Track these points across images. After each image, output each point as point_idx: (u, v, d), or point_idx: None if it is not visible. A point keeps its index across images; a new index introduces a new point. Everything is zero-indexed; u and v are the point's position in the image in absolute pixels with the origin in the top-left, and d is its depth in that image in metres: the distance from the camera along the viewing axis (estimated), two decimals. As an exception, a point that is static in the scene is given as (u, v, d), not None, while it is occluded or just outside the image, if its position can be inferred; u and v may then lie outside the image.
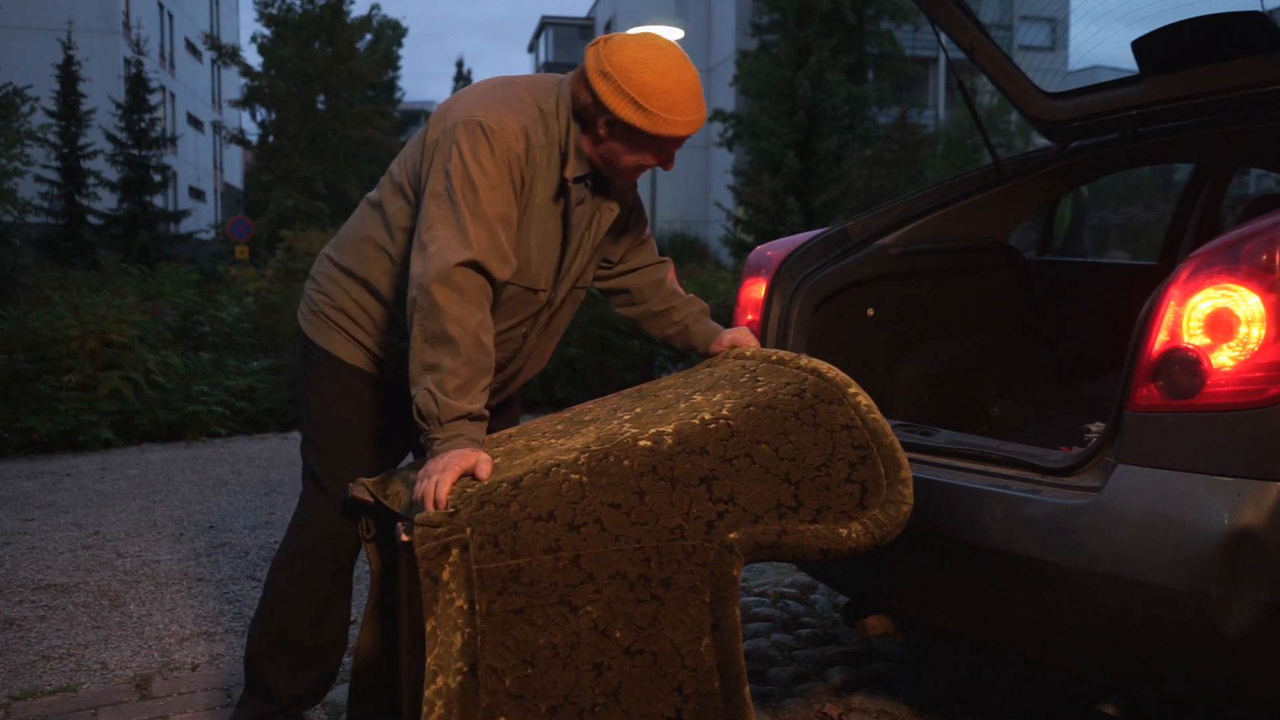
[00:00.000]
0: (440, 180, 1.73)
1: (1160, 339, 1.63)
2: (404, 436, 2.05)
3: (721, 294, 8.85)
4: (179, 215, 24.25)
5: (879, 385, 2.83)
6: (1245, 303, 1.56)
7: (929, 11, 2.77)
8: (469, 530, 1.51)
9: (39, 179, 19.14)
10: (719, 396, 1.75)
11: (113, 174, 22.31)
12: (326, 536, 2.01)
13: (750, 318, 2.61)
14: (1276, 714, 1.60)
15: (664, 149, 1.80)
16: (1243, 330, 1.56)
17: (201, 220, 31.30)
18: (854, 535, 1.64)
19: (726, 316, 2.37)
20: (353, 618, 3.11)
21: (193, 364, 6.99)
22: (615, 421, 1.74)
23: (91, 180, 21.72)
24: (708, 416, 1.67)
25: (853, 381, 1.77)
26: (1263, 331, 1.54)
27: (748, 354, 1.99)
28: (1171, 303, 1.63)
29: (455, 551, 1.50)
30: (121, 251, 18.41)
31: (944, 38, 2.83)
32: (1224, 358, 1.57)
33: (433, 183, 1.74)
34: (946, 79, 31.35)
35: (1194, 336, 1.60)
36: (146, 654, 2.87)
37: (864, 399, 1.75)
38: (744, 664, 1.58)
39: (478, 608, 1.48)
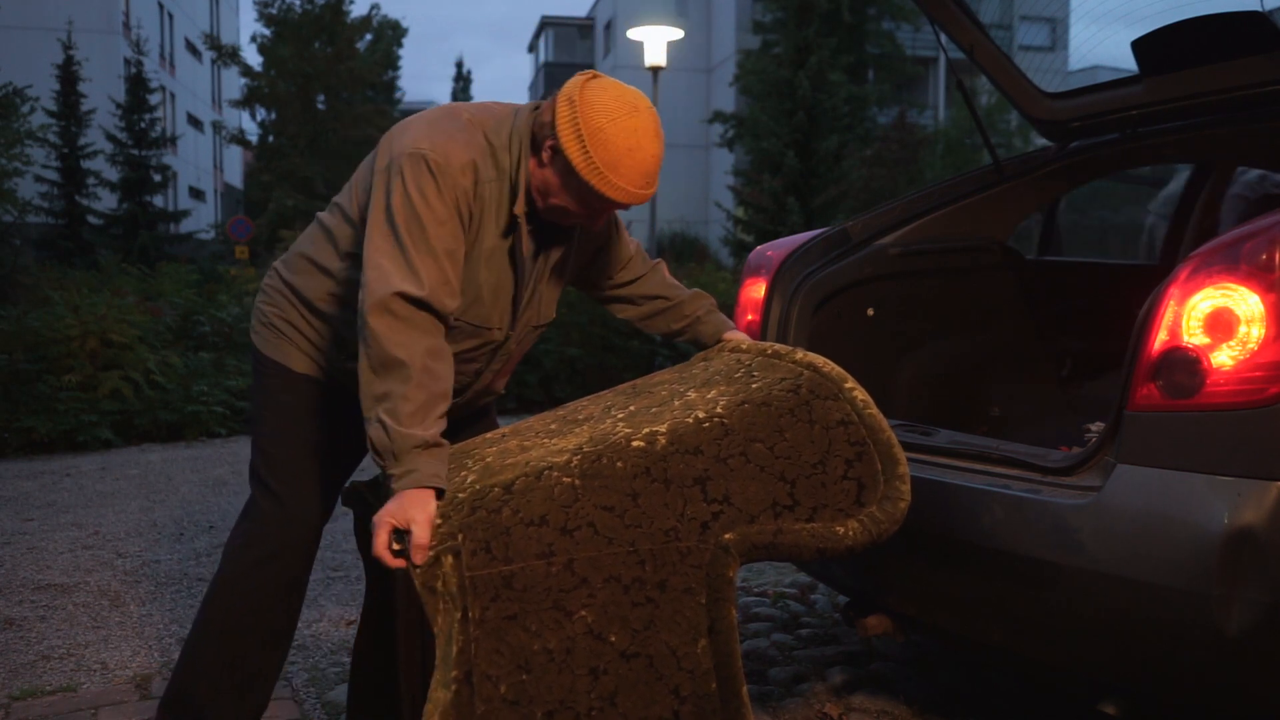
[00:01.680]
0: (382, 211, 1.66)
1: (1160, 338, 1.63)
2: (358, 446, 1.97)
3: (721, 294, 8.84)
4: (179, 215, 24.23)
5: (879, 385, 2.83)
6: (1245, 302, 1.56)
7: (929, 12, 2.77)
8: (461, 537, 1.50)
9: (39, 179, 19.11)
10: (713, 393, 1.74)
11: (113, 174, 22.28)
12: (282, 548, 1.91)
13: (750, 318, 2.61)
14: (1276, 714, 1.60)
15: (591, 204, 1.71)
16: (1242, 330, 1.56)
17: (201, 220, 31.29)
18: (851, 533, 1.62)
19: (727, 315, 2.37)
20: (351, 619, 3.12)
21: (193, 364, 6.99)
22: (609, 420, 1.73)
23: (91, 180, 21.70)
24: (702, 415, 1.64)
25: (849, 376, 1.75)
26: (1262, 331, 1.54)
27: (744, 347, 1.97)
28: (1171, 302, 1.63)
29: (449, 559, 1.50)
30: (121, 251, 18.40)
31: (944, 38, 2.83)
32: (1224, 357, 1.57)
33: (375, 211, 1.68)
34: (946, 79, 31.37)
35: (1194, 336, 1.60)
36: (147, 654, 2.87)
37: (860, 394, 1.72)
38: (741, 665, 1.57)
39: (471, 614, 1.47)
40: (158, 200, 23.39)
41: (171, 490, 5.04)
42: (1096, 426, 2.38)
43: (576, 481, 1.55)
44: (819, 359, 1.78)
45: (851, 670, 2.67)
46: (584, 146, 1.64)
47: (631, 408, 1.77)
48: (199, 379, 6.80)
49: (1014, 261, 3.13)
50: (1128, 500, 1.62)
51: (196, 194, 35.48)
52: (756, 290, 2.61)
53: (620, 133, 1.64)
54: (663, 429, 1.62)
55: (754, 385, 1.73)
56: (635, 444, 1.59)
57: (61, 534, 4.17)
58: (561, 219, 1.78)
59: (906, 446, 2.05)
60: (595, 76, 1.71)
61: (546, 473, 1.57)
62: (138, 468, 5.65)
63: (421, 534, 1.51)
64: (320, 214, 1.93)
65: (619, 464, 1.57)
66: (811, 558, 1.62)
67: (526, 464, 1.62)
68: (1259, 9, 2.53)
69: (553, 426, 1.81)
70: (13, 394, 6.13)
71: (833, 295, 2.64)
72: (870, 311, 2.78)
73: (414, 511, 1.52)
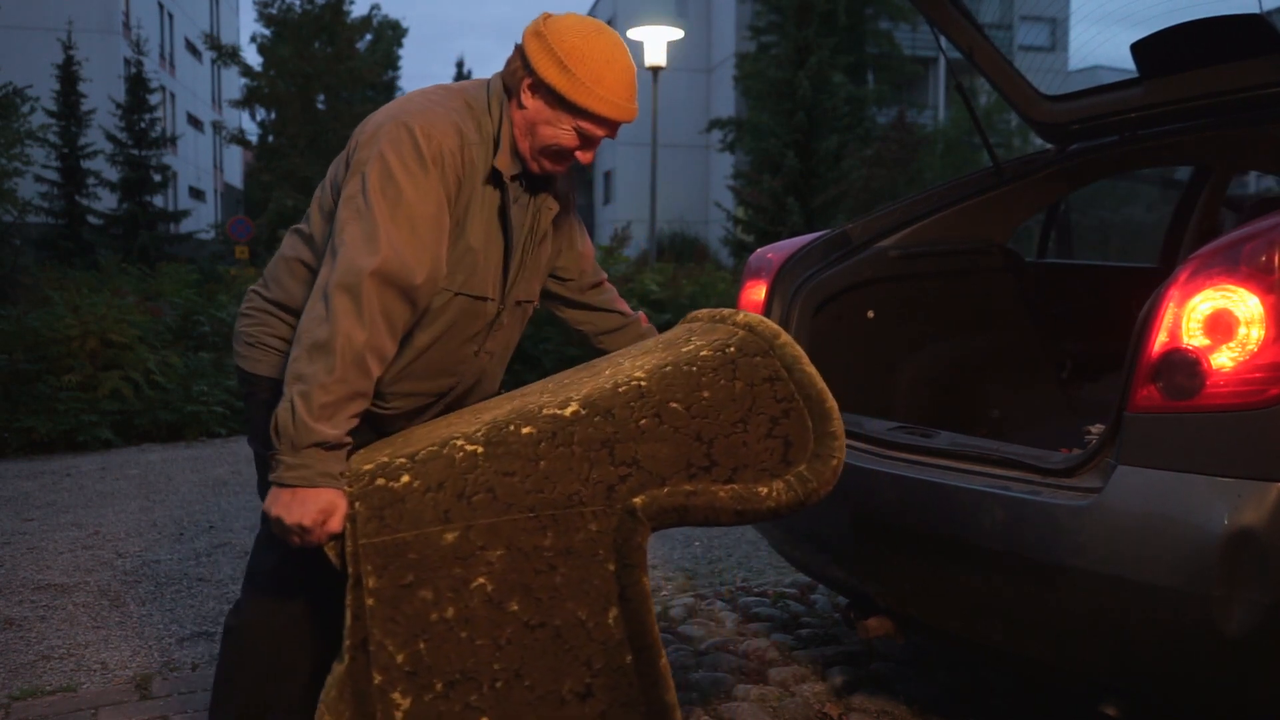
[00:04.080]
0: (356, 183, 1.60)
1: (1160, 340, 1.63)
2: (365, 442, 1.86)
3: (721, 294, 8.85)
4: (179, 215, 24.21)
5: (880, 387, 2.84)
6: (1245, 304, 1.56)
7: (927, 14, 2.77)
8: (357, 505, 1.47)
9: (39, 179, 19.08)
10: (644, 359, 1.68)
11: (113, 174, 22.27)
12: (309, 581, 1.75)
13: (751, 319, 2.61)
14: (1276, 714, 1.60)
15: (584, 129, 1.69)
16: (1242, 331, 1.56)
17: (201, 220, 31.28)
18: (775, 493, 1.54)
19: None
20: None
21: (193, 364, 6.99)
22: (538, 394, 1.68)
23: (91, 180, 21.69)
24: (620, 379, 1.59)
25: (783, 332, 1.67)
26: (1262, 332, 1.55)
27: (699, 315, 1.90)
28: (1171, 304, 1.63)
29: (348, 527, 1.47)
30: (121, 251, 18.39)
31: (943, 40, 2.84)
32: (1224, 359, 1.57)
33: (348, 187, 1.61)
34: (946, 79, 31.36)
35: (1194, 338, 1.60)
36: (147, 654, 2.87)
37: (792, 349, 1.63)
38: (658, 635, 1.52)
39: (365, 583, 1.44)
40: (158, 200, 23.37)
41: (171, 490, 5.04)
42: (1097, 428, 2.38)
43: (479, 449, 1.51)
44: (755, 319, 1.71)
45: (851, 670, 2.67)
46: (564, 67, 1.64)
47: (567, 381, 1.72)
48: (199, 379, 6.80)
49: (1014, 264, 3.14)
50: (1128, 502, 1.63)
51: (196, 194, 35.47)
52: (757, 293, 2.62)
53: (596, 47, 1.66)
54: (578, 395, 1.56)
55: (685, 349, 1.66)
56: (546, 411, 1.54)
57: (61, 534, 4.17)
58: (555, 161, 1.75)
59: (907, 448, 2.05)
60: (550, 15, 1.71)
61: (451, 441, 1.52)
62: (138, 468, 5.66)
63: (334, 523, 1.49)
64: (298, 225, 1.83)
65: (526, 429, 1.51)
66: (731, 521, 1.56)
67: (439, 436, 1.57)
68: (1258, 11, 2.53)
69: (490, 404, 1.76)
70: (13, 394, 6.13)
71: (833, 298, 2.64)
72: (870, 314, 2.78)
73: (304, 515, 1.48)
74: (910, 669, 2.70)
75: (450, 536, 1.46)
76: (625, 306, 2.12)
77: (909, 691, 2.55)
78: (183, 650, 2.89)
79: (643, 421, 1.53)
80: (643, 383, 1.57)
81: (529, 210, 1.82)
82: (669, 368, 1.60)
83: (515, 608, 1.47)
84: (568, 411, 1.53)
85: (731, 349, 1.63)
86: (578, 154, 1.74)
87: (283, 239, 1.86)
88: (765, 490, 1.55)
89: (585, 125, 1.69)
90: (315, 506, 1.49)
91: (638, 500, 1.50)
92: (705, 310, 1.92)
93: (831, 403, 1.60)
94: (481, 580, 1.46)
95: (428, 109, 1.66)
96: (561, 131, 1.70)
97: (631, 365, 1.66)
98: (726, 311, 1.79)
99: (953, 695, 2.55)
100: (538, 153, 1.73)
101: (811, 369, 1.62)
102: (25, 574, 3.62)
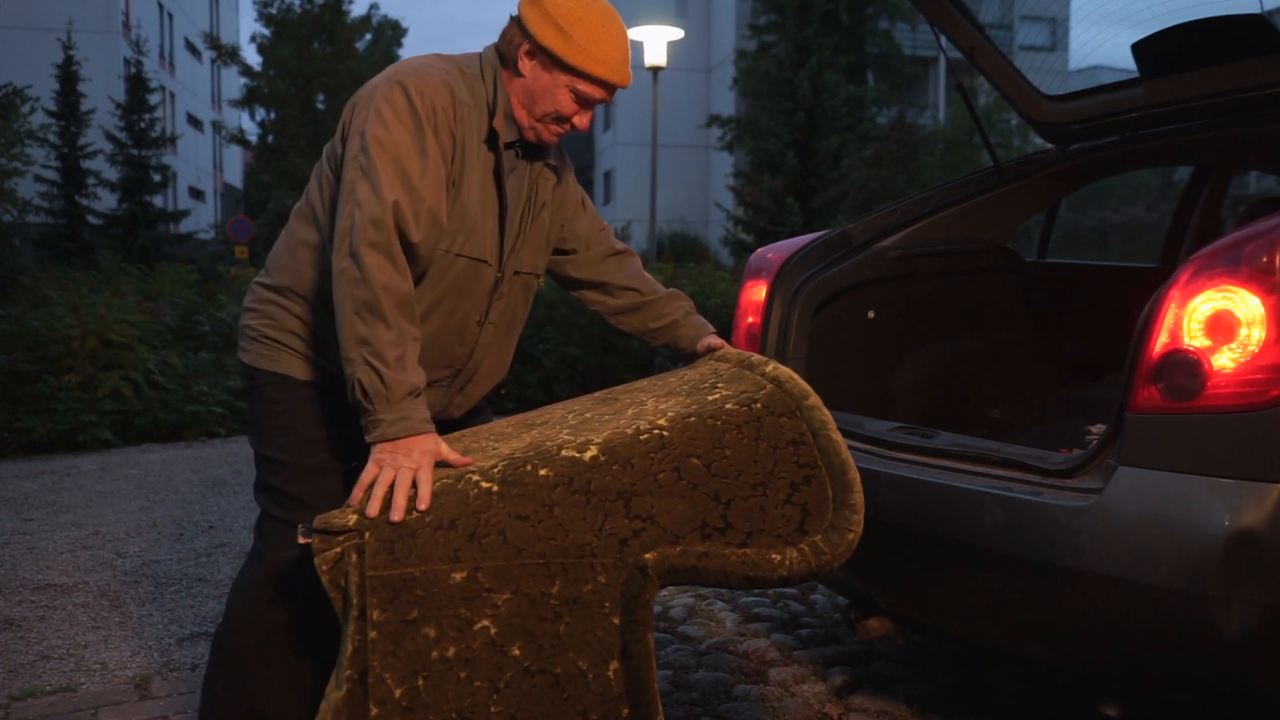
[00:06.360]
0: (356, 143, 1.65)
1: (1161, 341, 1.63)
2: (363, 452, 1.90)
3: (721, 294, 8.85)
4: (179, 215, 24.20)
5: (880, 387, 2.84)
6: (1246, 305, 1.56)
7: (927, 14, 2.77)
8: (367, 535, 1.46)
9: (39, 179, 19.10)
10: (667, 404, 1.65)
11: (113, 174, 22.25)
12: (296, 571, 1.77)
13: (751, 320, 2.61)
14: (1276, 714, 1.60)
15: (581, 92, 1.72)
16: (1243, 332, 1.56)
17: (201, 220, 31.28)
18: (789, 562, 1.52)
19: (727, 317, 2.36)
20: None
21: (192, 364, 6.99)
22: (558, 428, 1.66)
23: (91, 180, 21.67)
24: (643, 426, 1.56)
25: (812, 393, 1.64)
26: (1263, 333, 1.55)
27: (728, 358, 1.88)
28: (1172, 305, 1.63)
29: (353, 556, 1.46)
30: (121, 251, 18.39)
31: (943, 40, 2.84)
32: (1224, 360, 1.57)
33: (350, 149, 1.66)
34: (946, 79, 31.36)
35: (1194, 338, 1.60)
36: (146, 654, 2.87)
37: (820, 413, 1.61)
38: (657, 692, 1.51)
39: (369, 615, 1.43)
40: (158, 200, 23.35)
41: (171, 490, 5.04)
42: (1097, 429, 2.39)
43: (495, 487, 1.49)
44: (785, 373, 1.68)
45: (851, 670, 2.67)
46: (562, 31, 1.68)
47: (588, 415, 1.70)
48: (199, 379, 6.80)
49: (1014, 264, 3.14)
50: (1129, 502, 1.63)
51: (196, 194, 35.47)
52: (757, 293, 2.62)
53: (591, 12, 1.70)
54: (598, 439, 1.54)
55: (711, 397, 1.63)
56: (565, 453, 1.52)
57: (61, 534, 4.17)
58: (551, 131, 1.78)
59: (908, 449, 2.05)
60: None
61: (467, 475, 1.52)
62: (137, 468, 5.66)
63: (425, 487, 1.52)
64: (296, 206, 1.86)
65: (543, 471, 1.50)
66: (740, 585, 1.55)
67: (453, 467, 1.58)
68: (1258, 11, 2.54)
69: (508, 430, 1.75)
70: (13, 394, 6.13)
71: (833, 298, 2.64)
72: (871, 314, 2.78)
73: (422, 458, 1.54)
74: (910, 669, 2.70)
75: (458, 576, 1.45)
76: (646, 282, 2.08)
77: (909, 691, 2.55)
78: (182, 650, 2.89)
79: (661, 475, 1.52)
80: (665, 432, 1.55)
81: (525, 179, 1.85)
82: (693, 419, 1.58)
83: (517, 652, 1.47)
84: (586, 456, 1.52)
85: (758, 405, 1.60)
86: (574, 120, 1.77)
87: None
88: (778, 558, 1.53)
89: (582, 87, 1.73)
90: (422, 449, 1.55)
91: (649, 556, 1.50)
92: (734, 351, 1.90)
93: (854, 473, 1.58)
94: (485, 622, 1.46)
95: (421, 69, 1.71)
96: (560, 96, 1.73)
97: (655, 408, 1.64)
98: (756, 359, 1.77)
99: (953, 695, 2.55)
100: (535, 120, 1.77)
101: (838, 435, 1.60)
102: (25, 574, 3.62)
